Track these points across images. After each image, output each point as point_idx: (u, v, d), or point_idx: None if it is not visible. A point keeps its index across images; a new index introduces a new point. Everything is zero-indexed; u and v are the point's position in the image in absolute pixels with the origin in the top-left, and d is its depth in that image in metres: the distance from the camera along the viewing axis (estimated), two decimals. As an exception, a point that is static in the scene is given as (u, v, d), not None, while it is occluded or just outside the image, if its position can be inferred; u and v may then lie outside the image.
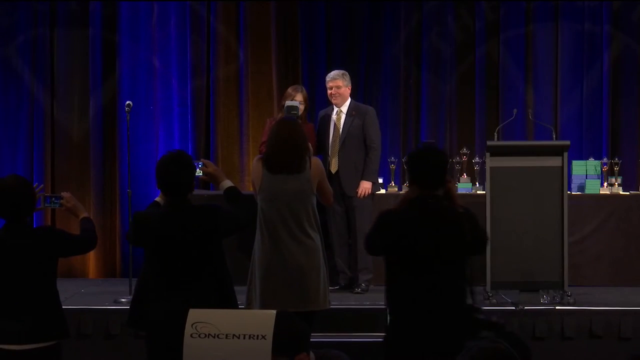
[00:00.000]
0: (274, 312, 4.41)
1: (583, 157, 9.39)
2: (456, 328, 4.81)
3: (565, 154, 7.82)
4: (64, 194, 5.41)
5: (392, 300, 4.95)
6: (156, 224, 5.10)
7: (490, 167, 7.86)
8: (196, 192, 9.36)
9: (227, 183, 5.38)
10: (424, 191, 4.90)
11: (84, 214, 5.37)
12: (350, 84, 8.44)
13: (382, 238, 4.97)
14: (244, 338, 4.31)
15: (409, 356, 4.80)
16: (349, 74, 8.51)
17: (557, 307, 7.58)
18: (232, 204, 5.28)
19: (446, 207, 4.92)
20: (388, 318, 5.00)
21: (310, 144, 6.35)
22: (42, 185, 5.66)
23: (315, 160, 6.15)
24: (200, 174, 5.47)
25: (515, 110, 8.92)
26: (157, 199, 5.36)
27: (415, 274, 4.83)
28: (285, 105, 7.20)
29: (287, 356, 3.87)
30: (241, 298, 6.11)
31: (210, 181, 5.75)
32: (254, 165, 6.17)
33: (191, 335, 4.36)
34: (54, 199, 5.42)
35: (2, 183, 5.12)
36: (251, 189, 6.34)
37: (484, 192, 8.31)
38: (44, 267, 5.09)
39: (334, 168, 8.32)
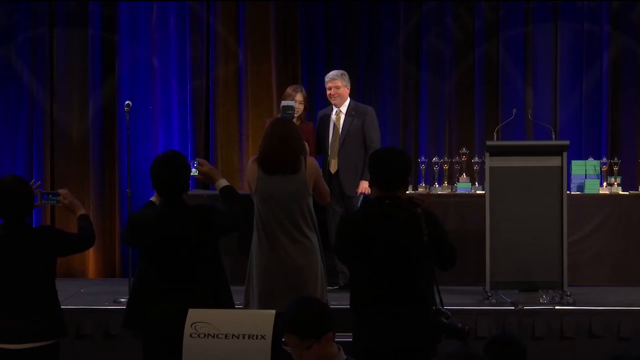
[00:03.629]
0: (273, 312, 4.41)
1: (582, 157, 9.38)
2: (415, 331, 4.79)
3: (565, 154, 7.82)
4: (61, 191, 5.41)
5: (354, 301, 4.94)
6: (151, 224, 5.11)
7: (490, 167, 7.86)
8: (195, 192, 9.44)
9: (223, 182, 5.38)
10: (383, 192, 4.90)
11: (81, 211, 5.37)
12: (349, 84, 8.44)
13: (342, 242, 5.01)
14: (244, 338, 4.31)
15: (373, 358, 4.80)
16: (348, 74, 8.51)
17: (556, 307, 7.58)
18: (228, 203, 5.29)
19: (403, 207, 4.91)
20: (353, 320, 5.00)
21: (306, 144, 6.35)
22: (39, 182, 5.66)
23: (311, 161, 6.14)
24: (196, 174, 5.47)
25: (514, 110, 8.91)
26: (152, 198, 5.37)
27: (375, 275, 4.82)
28: (281, 105, 7.19)
29: (314, 338, 3.86)
30: (239, 298, 6.12)
31: (205, 180, 5.75)
32: (248, 166, 6.15)
33: (191, 335, 4.36)
34: (51, 195, 5.43)
35: (1, 183, 5.12)
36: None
37: (484, 192, 8.31)
38: (42, 267, 5.10)
39: (333, 168, 8.32)
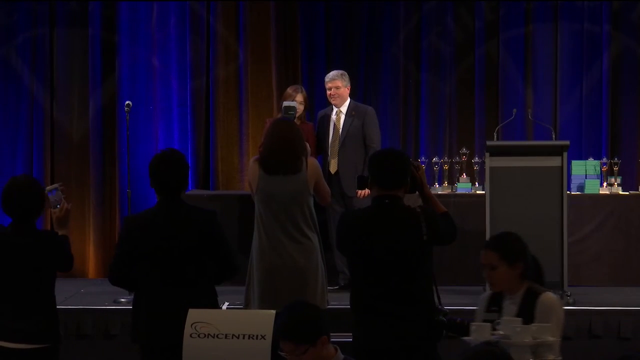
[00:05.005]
0: (273, 312, 4.40)
1: (582, 157, 9.38)
2: (414, 331, 4.80)
3: (565, 154, 7.82)
4: (65, 204, 5.27)
5: (354, 301, 4.95)
6: (150, 222, 5.08)
7: (490, 167, 7.86)
8: (195, 192, 9.43)
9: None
10: (382, 191, 4.93)
11: (65, 231, 5.26)
12: (349, 84, 8.44)
13: (341, 239, 5.06)
14: (244, 338, 4.30)
15: (372, 358, 4.80)
16: (348, 74, 8.51)
17: (556, 307, 7.56)
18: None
19: (402, 206, 4.93)
20: (353, 319, 5.01)
21: (307, 144, 6.35)
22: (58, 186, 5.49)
23: (312, 161, 6.15)
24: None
25: (514, 110, 8.92)
26: None
27: (374, 274, 4.83)
28: (283, 106, 7.18)
29: (309, 343, 3.87)
30: (240, 298, 6.12)
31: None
32: (250, 166, 6.16)
33: (191, 336, 4.36)
34: (59, 195, 5.32)
35: (14, 182, 5.11)
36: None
37: (484, 192, 8.31)
38: (42, 270, 5.08)
39: (333, 168, 8.32)
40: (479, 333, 4.05)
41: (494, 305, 4.54)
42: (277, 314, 4.32)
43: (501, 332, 4.00)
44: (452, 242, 5.06)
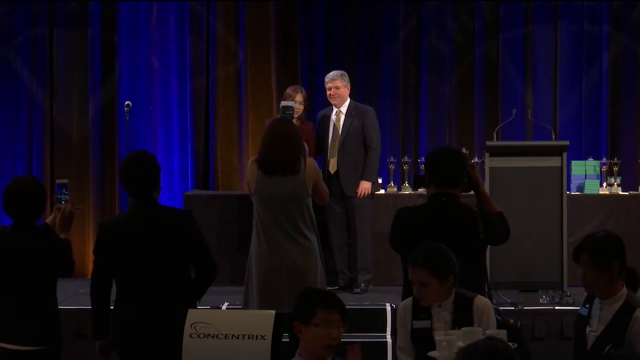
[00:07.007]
0: (273, 312, 4.41)
1: (582, 157, 9.38)
2: None
3: (565, 154, 7.83)
4: (70, 205, 5.18)
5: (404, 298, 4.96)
6: (122, 226, 5.04)
7: (490, 168, 7.86)
8: (195, 192, 9.43)
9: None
10: (439, 189, 4.93)
11: (67, 235, 5.24)
12: (349, 85, 8.44)
13: (397, 235, 5.06)
14: (243, 338, 4.31)
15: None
16: (348, 74, 8.51)
17: (556, 307, 7.58)
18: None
19: (459, 204, 4.94)
20: None
21: (305, 144, 6.35)
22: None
23: (310, 161, 6.14)
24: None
25: (514, 111, 8.92)
26: None
27: None
28: (281, 106, 7.18)
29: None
30: (239, 298, 6.12)
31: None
32: (248, 167, 6.15)
33: (190, 336, 4.36)
34: (64, 191, 5.28)
35: (16, 183, 5.10)
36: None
37: (484, 192, 8.30)
38: (44, 271, 5.06)
39: (333, 168, 8.32)
40: (449, 348, 3.98)
41: (421, 313, 4.43)
42: (278, 313, 4.33)
43: (461, 344, 3.93)
44: (504, 242, 5.10)
